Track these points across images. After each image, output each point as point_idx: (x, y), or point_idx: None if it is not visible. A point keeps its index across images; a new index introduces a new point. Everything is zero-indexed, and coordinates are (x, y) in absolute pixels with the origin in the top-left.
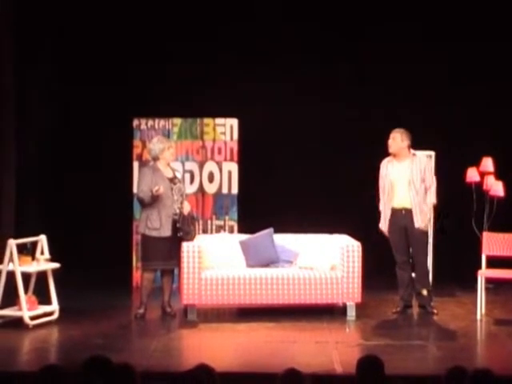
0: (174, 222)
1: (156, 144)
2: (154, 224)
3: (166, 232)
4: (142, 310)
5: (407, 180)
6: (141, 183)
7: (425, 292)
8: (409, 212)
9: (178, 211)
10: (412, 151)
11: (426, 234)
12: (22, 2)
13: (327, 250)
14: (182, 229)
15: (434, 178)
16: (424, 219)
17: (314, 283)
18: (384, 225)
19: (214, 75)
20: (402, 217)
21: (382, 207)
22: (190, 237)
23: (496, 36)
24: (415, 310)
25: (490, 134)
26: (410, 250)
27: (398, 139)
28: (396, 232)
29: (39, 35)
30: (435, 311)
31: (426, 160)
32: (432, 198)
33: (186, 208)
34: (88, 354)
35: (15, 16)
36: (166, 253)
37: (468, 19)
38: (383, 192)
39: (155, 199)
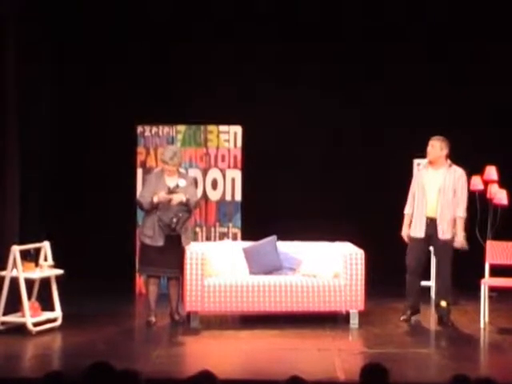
0: (169, 231)
1: (164, 152)
2: (147, 232)
3: (159, 242)
4: (153, 318)
5: (437, 188)
6: (143, 189)
7: (444, 304)
8: (434, 221)
9: (174, 220)
10: (448, 161)
11: (450, 245)
12: (25, 4)
13: (330, 257)
14: (161, 219)
15: (466, 192)
16: (449, 231)
17: (317, 291)
18: (404, 232)
19: (218, 82)
20: (427, 225)
21: (407, 211)
22: (168, 230)
23: (499, 39)
24: (422, 319)
25: (493, 142)
26: (433, 260)
27: (437, 147)
28: (420, 239)
29: (43, 39)
30: (450, 323)
31: (461, 172)
32: (459, 212)
33: (176, 198)
34: (91, 361)
35: (18, 17)
36: (163, 261)
37: (471, 21)
38: (412, 196)
39: (155, 207)
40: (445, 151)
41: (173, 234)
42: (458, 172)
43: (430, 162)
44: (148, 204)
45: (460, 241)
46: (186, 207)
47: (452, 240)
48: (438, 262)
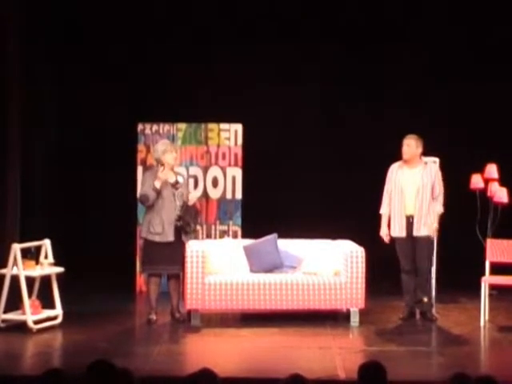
0: (177, 228)
1: (159, 146)
2: (156, 229)
3: (169, 237)
4: (153, 316)
5: (416, 187)
6: (143, 185)
7: (425, 299)
8: (413, 218)
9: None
10: (423, 159)
11: (430, 242)
12: (28, 4)
13: (331, 255)
14: (183, 218)
15: (442, 187)
16: (429, 228)
17: (318, 289)
18: (383, 232)
19: (219, 80)
20: (409, 224)
21: (384, 211)
22: (190, 228)
23: (502, 38)
24: (419, 317)
25: (494, 140)
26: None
27: (413, 145)
28: (403, 238)
29: (46, 38)
30: (435, 318)
31: (436, 168)
32: (439, 208)
33: (192, 198)
34: (91, 359)
35: (22, 17)
36: (169, 257)
37: (473, 21)
38: (388, 197)
39: (158, 193)
40: (420, 149)
41: (180, 229)
42: (434, 168)
43: (406, 161)
44: (152, 192)
45: (430, 231)
46: (195, 208)
47: (430, 236)
48: (418, 257)
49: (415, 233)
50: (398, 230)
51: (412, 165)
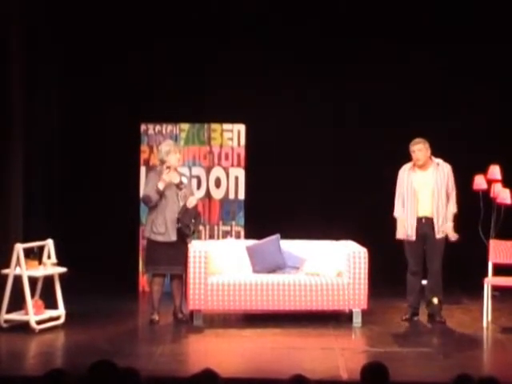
0: (177, 229)
1: (163, 146)
2: (159, 229)
3: (172, 237)
4: (156, 317)
5: (431, 189)
6: (146, 186)
7: (436, 301)
8: (429, 220)
9: (193, 221)
10: (434, 159)
11: (444, 243)
12: (29, 4)
13: (334, 256)
14: (182, 221)
15: (455, 188)
16: (446, 229)
17: (321, 289)
18: (402, 233)
19: (222, 81)
20: (422, 225)
21: (398, 214)
22: (189, 231)
23: (505, 39)
24: (423, 318)
25: (497, 141)
26: (426, 258)
27: (424, 150)
28: (412, 240)
29: (46, 38)
30: (443, 320)
31: (449, 168)
32: (454, 208)
33: (191, 201)
34: (94, 359)
35: (22, 17)
36: (172, 257)
37: (475, 22)
38: (402, 199)
39: (161, 194)
40: (429, 150)
41: (183, 232)
42: (447, 168)
43: (420, 166)
44: (155, 193)
45: (453, 234)
46: (196, 210)
47: (444, 237)
48: (431, 259)
49: (436, 235)
50: (410, 232)
51: (425, 167)
